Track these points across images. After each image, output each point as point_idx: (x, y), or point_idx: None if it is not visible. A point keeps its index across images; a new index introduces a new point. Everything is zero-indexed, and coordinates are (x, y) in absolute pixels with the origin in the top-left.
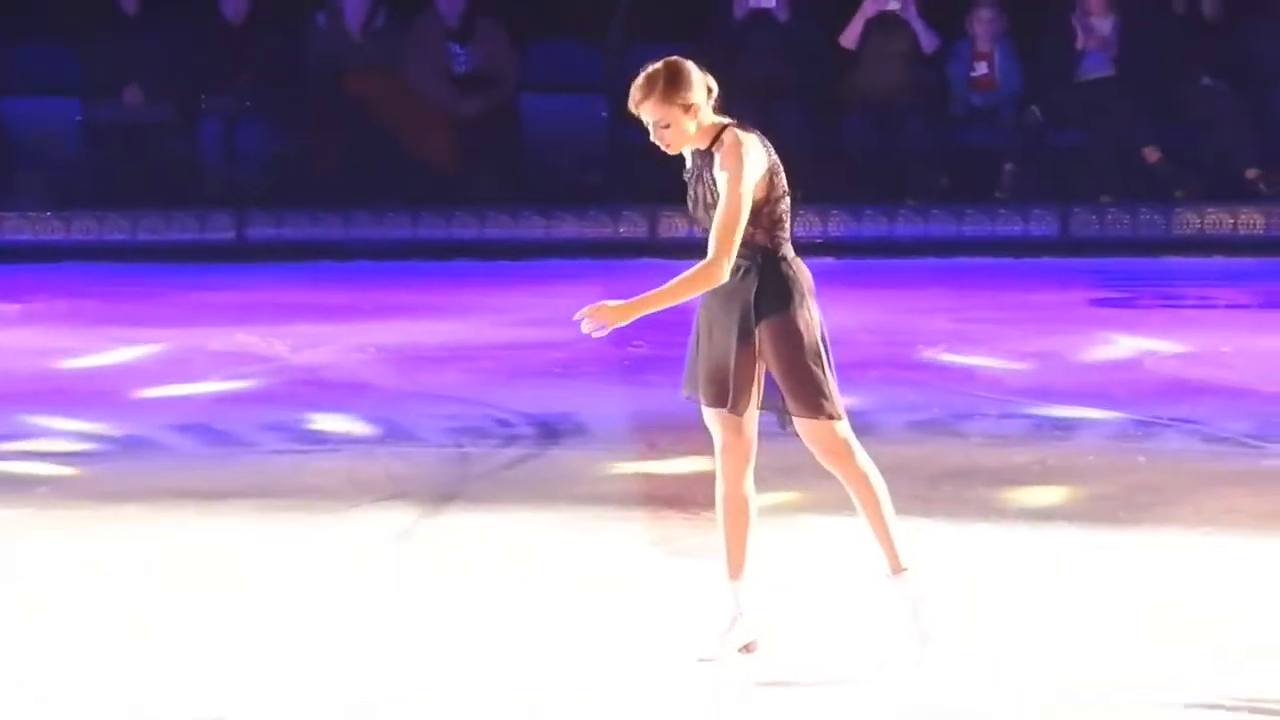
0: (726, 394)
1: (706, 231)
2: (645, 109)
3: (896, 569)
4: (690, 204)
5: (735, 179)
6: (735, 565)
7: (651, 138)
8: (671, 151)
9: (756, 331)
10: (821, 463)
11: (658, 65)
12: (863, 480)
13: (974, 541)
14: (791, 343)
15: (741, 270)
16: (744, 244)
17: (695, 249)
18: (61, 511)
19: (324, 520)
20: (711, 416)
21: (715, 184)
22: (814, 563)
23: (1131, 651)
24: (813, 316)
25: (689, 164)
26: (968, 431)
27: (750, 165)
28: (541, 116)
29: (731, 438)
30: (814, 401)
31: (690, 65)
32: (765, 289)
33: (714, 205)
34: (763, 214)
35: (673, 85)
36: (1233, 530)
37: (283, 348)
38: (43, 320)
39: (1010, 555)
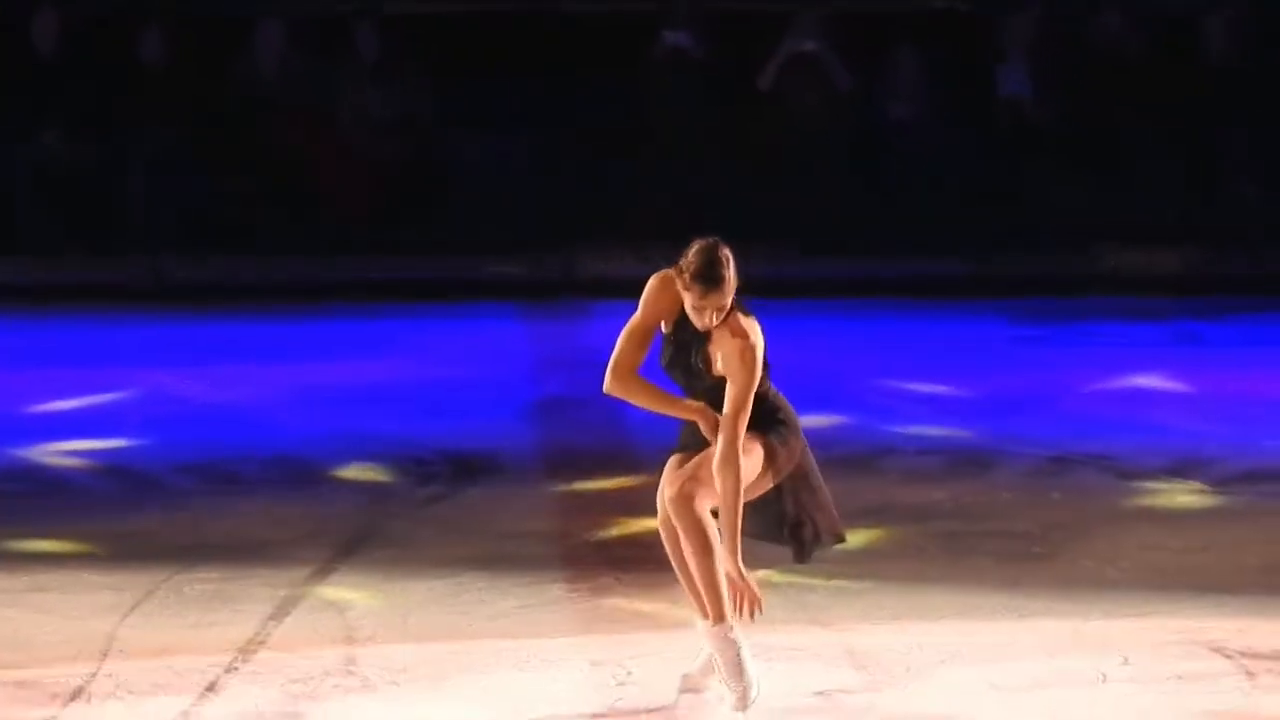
0: None
1: (678, 384)
2: (722, 295)
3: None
4: (670, 361)
5: (751, 377)
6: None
7: (696, 316)
8: (704, 327)
9: None
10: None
11: (726, 251)
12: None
13: (893, 580)
14: None
15: None
16: None
17: (611, 287)
18: None
19: (243, 559)
20: None
21: (709, 360)
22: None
23: (1050, 682)
24: None
25: (665, 329)
26: (885, 469)
27: (759, 358)
28: (462, 155)
29: None
30: None
31: None
32: None
33: (701, 376)
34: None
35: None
36: (1146, 567)
37: (200, 389)
38: None
39: (926, 594)
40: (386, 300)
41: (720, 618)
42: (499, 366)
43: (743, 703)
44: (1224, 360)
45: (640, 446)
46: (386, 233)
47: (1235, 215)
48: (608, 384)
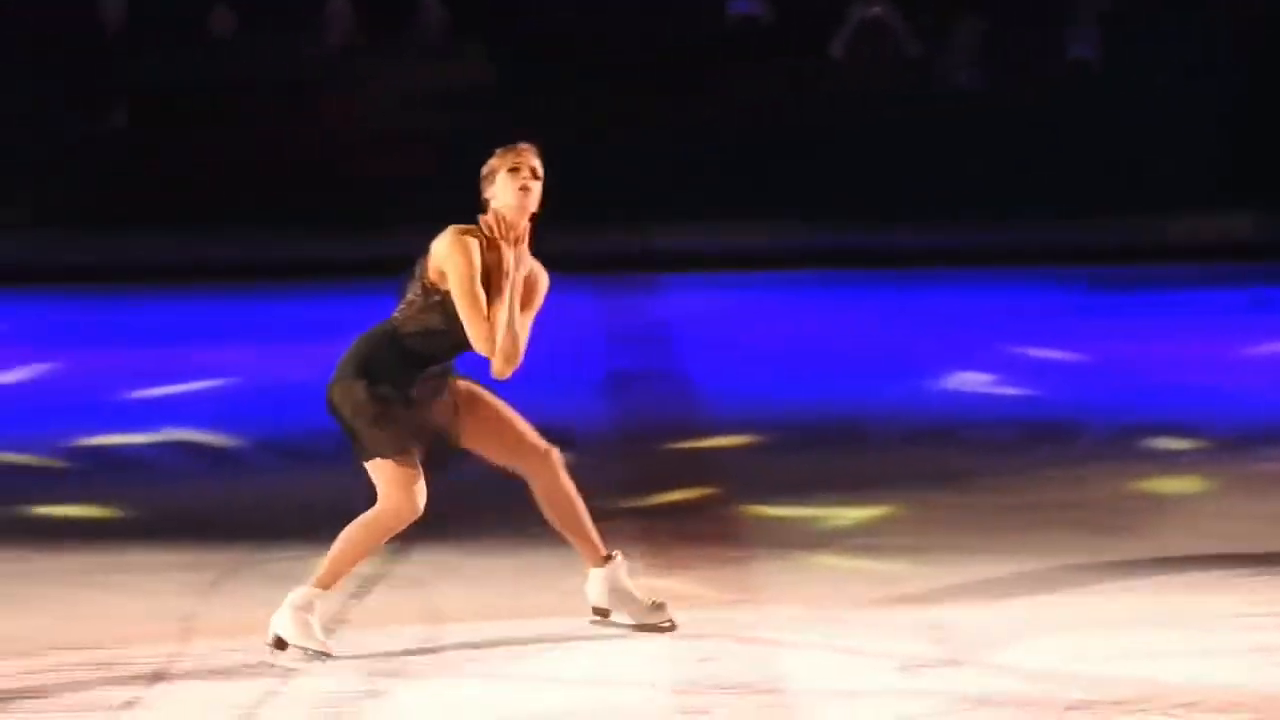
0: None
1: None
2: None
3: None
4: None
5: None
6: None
7: (523, 186)
8: (529, 209)
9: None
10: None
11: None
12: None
13: (976, 554)
14: None
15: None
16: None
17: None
18: None
19: None
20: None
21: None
22: None
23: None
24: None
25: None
26: (964, 439)
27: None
28: None
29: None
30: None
31: None
32: None
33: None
34: None
35: None
36: (1228, 535)
37: None
38: None
39: (1000, 568)
40: None
41: (603, 559)
42: None
43: (660, 613)
44: None
45: None
46: None
47: None
48: (502, 369)
